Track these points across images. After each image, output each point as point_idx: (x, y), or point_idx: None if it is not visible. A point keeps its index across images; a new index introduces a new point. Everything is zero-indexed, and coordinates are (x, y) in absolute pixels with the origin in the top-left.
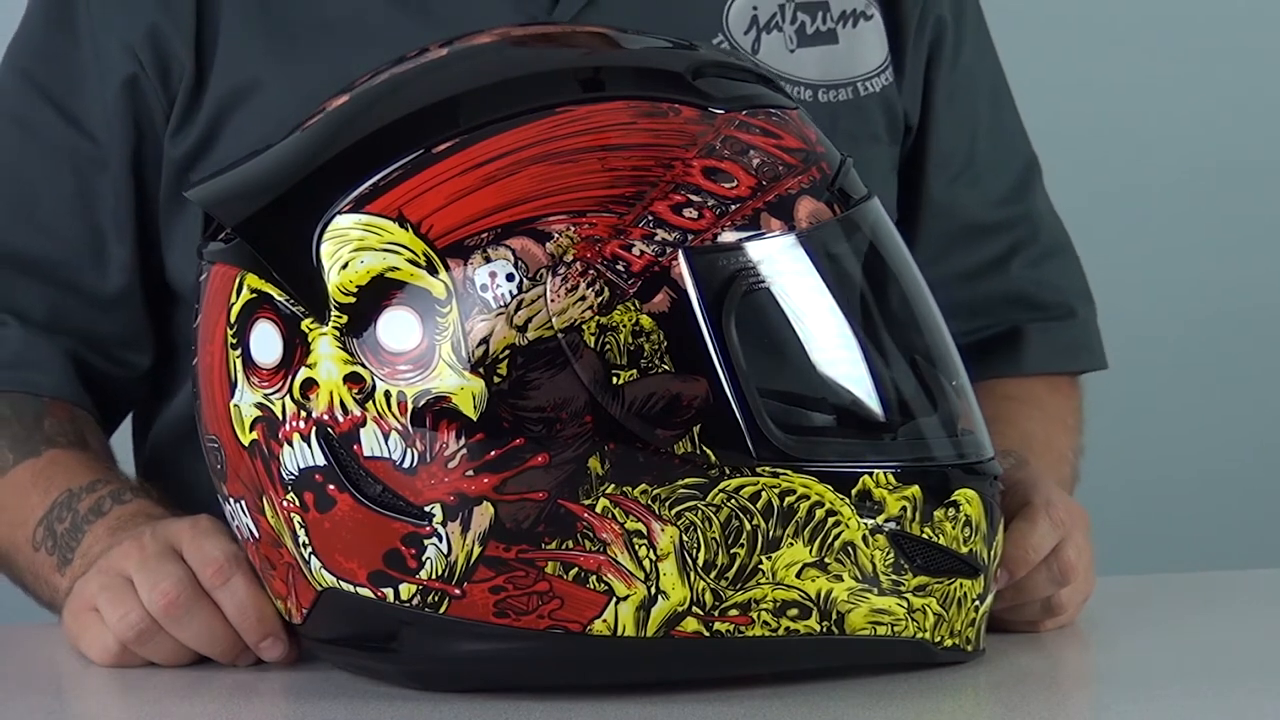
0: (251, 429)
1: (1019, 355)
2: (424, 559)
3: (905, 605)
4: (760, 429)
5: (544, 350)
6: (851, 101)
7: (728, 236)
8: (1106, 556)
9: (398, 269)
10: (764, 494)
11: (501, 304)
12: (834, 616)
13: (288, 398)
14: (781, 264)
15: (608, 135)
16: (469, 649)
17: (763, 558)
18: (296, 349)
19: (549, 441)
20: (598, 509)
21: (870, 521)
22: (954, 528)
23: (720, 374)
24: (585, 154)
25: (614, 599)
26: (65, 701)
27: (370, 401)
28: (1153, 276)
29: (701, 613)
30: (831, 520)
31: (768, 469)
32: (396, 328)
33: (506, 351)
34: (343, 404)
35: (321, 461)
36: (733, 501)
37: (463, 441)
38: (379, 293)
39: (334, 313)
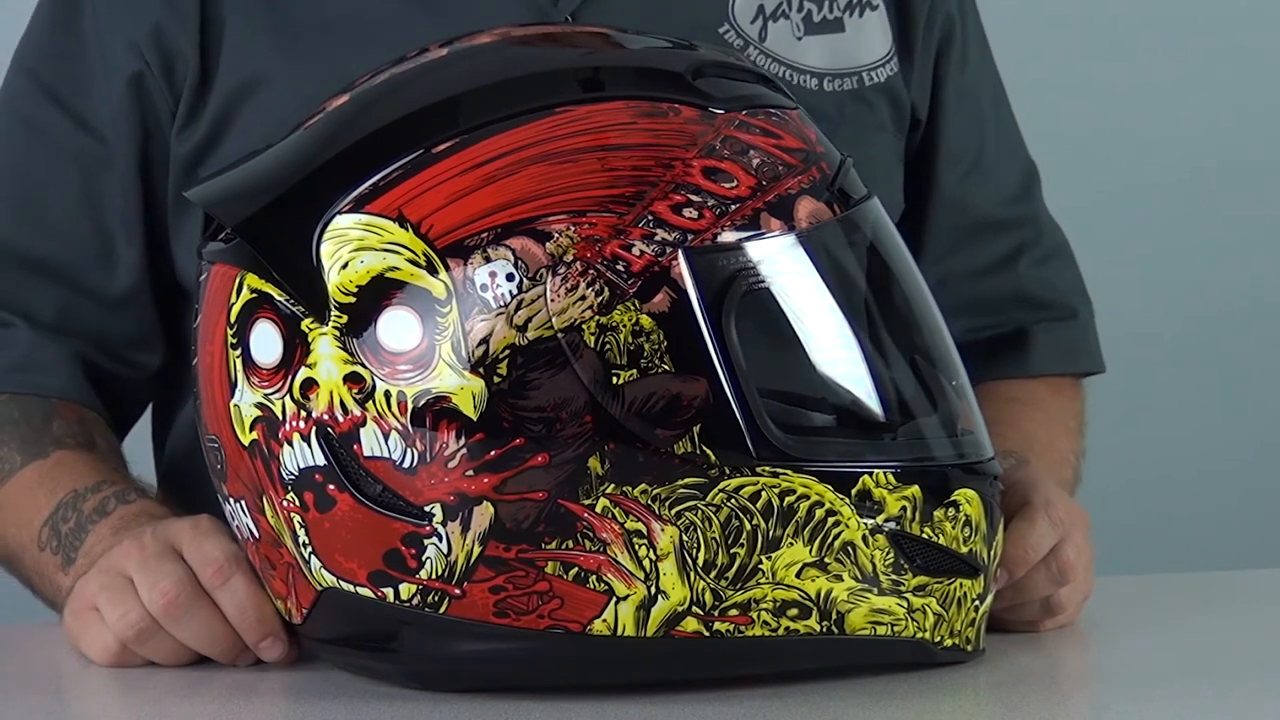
0: (251, 429)
1: (1025, 356)
2: (424, 559)
3: (905, 605)
4: (760, 429)
5: (544, 350)
6: (857, 90)
7: (728, 236)
8: (1106, 556)
9: (398, 269)
10: (764, 494)
11: (501, 304)
12: (834, 616)
13: (288, 398)
14: (781, 264)
15: (608, 135)
16: (469, 649)
17: (763, 558)
18: (296, 349)
19: (549, 441)
20: (598, 509)
21: (870, 521)
22: (954, 528)
23: (720, 374)
24: (585, 154)
25: (614, 599)
26: (65, 701)
27: (370, 401)
28: (1153, 276)
29: (701, 613)
30: (831, 520)
31: (768, 469)
32: (396, 328)
33: (506, 351)
34: (343, 404)
35: (321, 461)
36: (733, 501)
37: (463, 441)
38: (379, 293)
39: (334, 313)
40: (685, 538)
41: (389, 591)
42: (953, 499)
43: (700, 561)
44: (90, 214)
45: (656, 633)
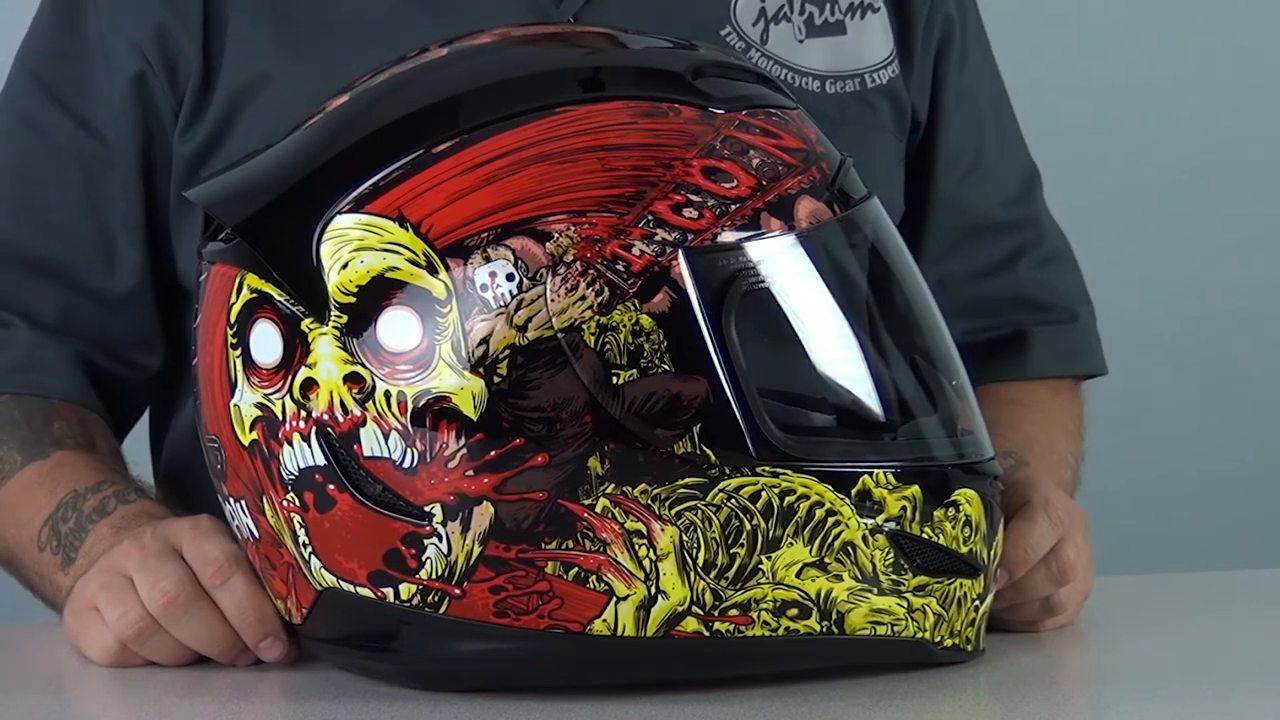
0: (251, 429)
1: (1024, 359)
2: (424, 559)
3: (905, 605)
4: (760, 429)
5: (544, 350)
6: (859, 93)
7: (728, 236)
8: (1106, 556)
9: (398, 269)
10: (764, 494)
11: (501, 304)
12: (834, 616)
13: (288, 398)
14: (781, 264)
15: (608, 135)
16: (469, 649)
17: (763, 558)
18: (296, 349)
19: (549, 441)
20: (598, 509)
21: (870, 521)
22: (954, 528)
23: (720, 374)
24: (585, 154)
25: (614, 599)
26: (65, 701)
27: (370, 401)
28: (1153, 276)
29: (701, 613)
30: (831, 520)
31: (768, 469)
32: (396, 327)
33: (506, 351)
34: (343, 404)
35: (321, 461)
36: (733, 501)
37: (463, 441)
38: (379, 293)
39: (334, 313)
40: (685, 538)
41: (389, 591)
42: (953, 499)
43: (700, 561)
44: (91, 214)
45: (656, 633)
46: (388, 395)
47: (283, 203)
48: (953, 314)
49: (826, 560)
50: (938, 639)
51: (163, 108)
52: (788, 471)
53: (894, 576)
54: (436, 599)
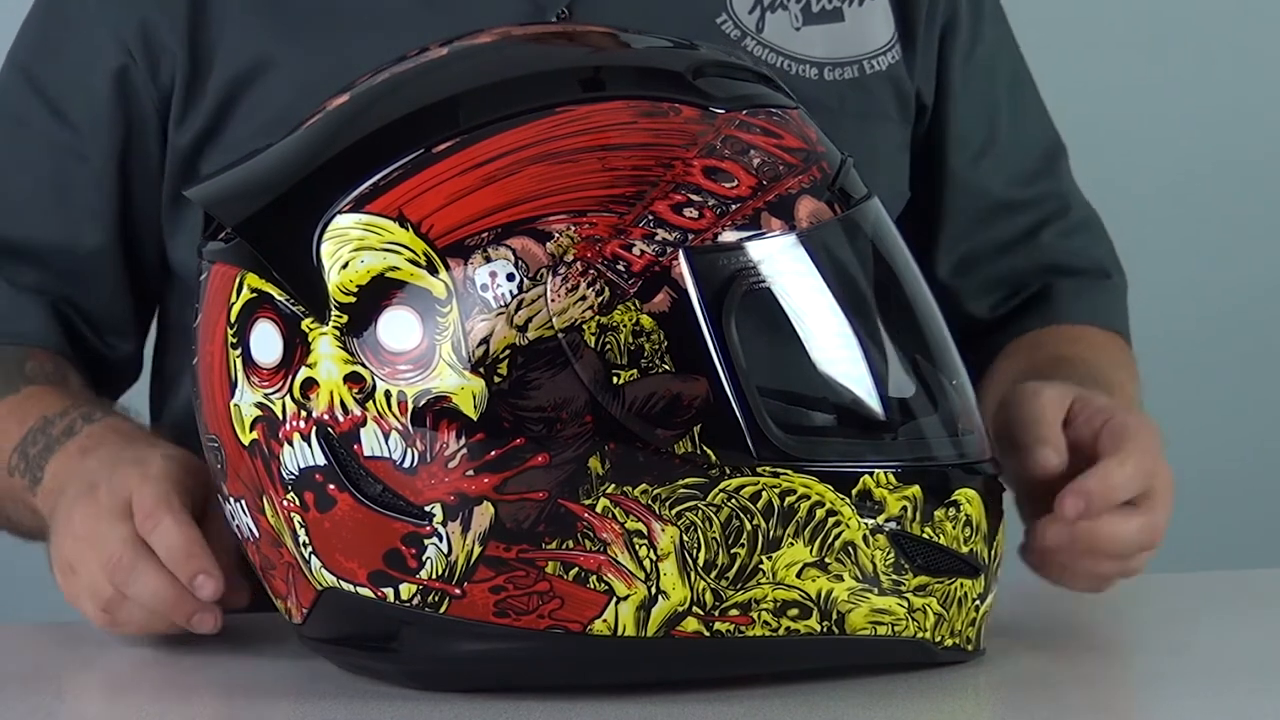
0: (251, 429)
1: (1051, 306)
2: (424, 559)
3: (905, 605)
4: (760, 429)
5: (544, 350)
6: (858, 79)
7: (728, 236)
8: None
9: (398, 269)
10: (764, 494)
11: (502, 304)
12: (834, 616)
13: (288, 397)
14: (782, 263)
15: (608, 135)
16: (469, 649)
17: (763, 558)
18: (297, 349)
19: (549, 441)
20: (598, 509)
21: (870, 521)
22: (954, 527)
23: (720, 374)
24: (585, 154)
25: (614, 599)
26: (65, 701)
27: (370, 401)
28: (1153, 276)
29: (702, 613)
30: (832, 520)
31: (768, 469)
32: (397, 327)
33: (507, 351)
34: (343, 404)
35: (322, 461)
36: (733, 501)
37: (463, 441)
38: (379, 292)
39: (334, 312)
40: (686, 538)
41: (389, 591)
42: (953, 499)
43: (701, 561)
44: (56, 203)
45: (657, 633)
46: (388, 395)
47: (283, 202)
48: (981, 291)
49: (827, 560)
50: (938, 639)
51: (145, 102)
52: (788, 471)
53: (894, 576)
54: (437, 599)
